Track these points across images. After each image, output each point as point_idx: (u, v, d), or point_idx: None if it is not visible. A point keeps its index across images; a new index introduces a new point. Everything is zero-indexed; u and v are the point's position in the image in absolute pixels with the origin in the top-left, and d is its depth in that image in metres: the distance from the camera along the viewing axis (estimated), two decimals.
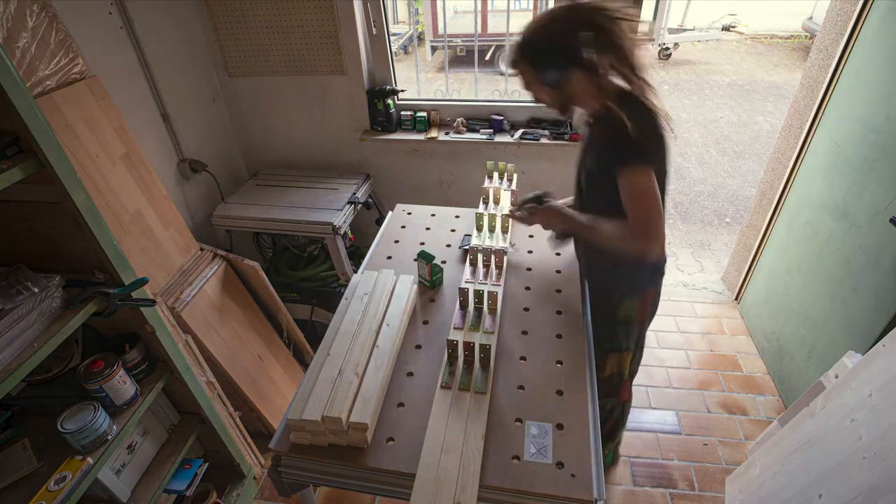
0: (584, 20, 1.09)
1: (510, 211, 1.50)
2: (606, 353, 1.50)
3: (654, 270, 1.40)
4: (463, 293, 1.32)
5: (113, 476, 1.35)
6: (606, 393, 1.58)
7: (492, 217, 1.61)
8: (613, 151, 1.15)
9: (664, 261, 1.40)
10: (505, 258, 1.48)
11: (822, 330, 1.93)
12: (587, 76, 1.14)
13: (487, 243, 1.55)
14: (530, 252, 1.61)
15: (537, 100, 1.25)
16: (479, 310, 1.32)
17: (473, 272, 1.48)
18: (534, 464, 1.00)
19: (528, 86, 1.23)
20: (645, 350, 2.42)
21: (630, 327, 1.45)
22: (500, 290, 1.39)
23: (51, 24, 1.39)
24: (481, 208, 1.70)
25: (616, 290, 1.41)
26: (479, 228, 1.62)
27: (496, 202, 1.72)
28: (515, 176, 1.81)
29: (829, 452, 1.31)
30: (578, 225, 1.31)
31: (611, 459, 1.90)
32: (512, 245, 1.62)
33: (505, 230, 1.61)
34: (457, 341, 1.18)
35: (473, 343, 1.18)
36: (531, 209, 1.42)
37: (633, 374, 1.58)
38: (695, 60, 7.37)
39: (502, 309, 1.37)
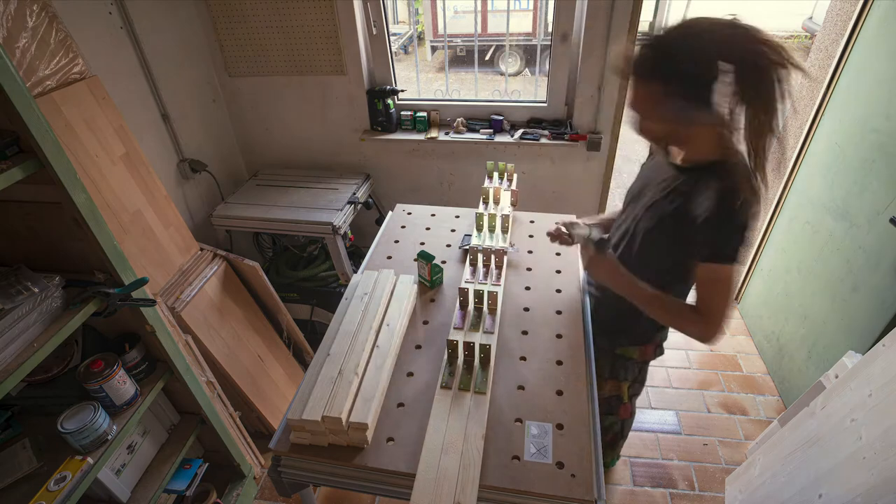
0: (753, 60, 0.86)
1: (550, 234, 1.39)
2: (605, 379, 1.46)
3: (653, 326, 1.35)
4: (463, 293, 1.32)
5: (113, 476, 1.36)
6: (606, 411, 1.54)
7: (492, 217, 1.61)
8: (719, 236, 0.99)
9: None
10: (505, 258, 1.48)
11: (822, 330, 1.93)
12: (717, 125, 0.94)
13: (488, 243, 1.55)
14: (530, 252, 1.61)
15: (641, 126, 1.02)
16: (479, 310, 1.32)
17: (473, 272, 1.48)
18: (534, 464, 1.00)
19: (640, 104, 0.99)
20: None
21: (629, 363, 1.43)
22: (499, 290, 1.39)
23: (51, 24, 1.39)
24: (481, 208, 1.70)
25: (620, 337, 1.38)
26: (479, 228, 1.62)
27: (496, 202, 1.72)
28: (515, 176, 1.81)
29: (829, 452, 1.31)
30: (632, 289, 1.15)
31: (612, 464, 1.90)
32: (512, 245, 1.61)
33: (505, 230, 1.61)
34: (457, 341, 1.18)
35: (473, 343, 1.18)
36: (584, 246, 1.26)
37: (632, 396, 1.52)
38: None
39: (502, 309, 1.37)
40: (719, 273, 1.02)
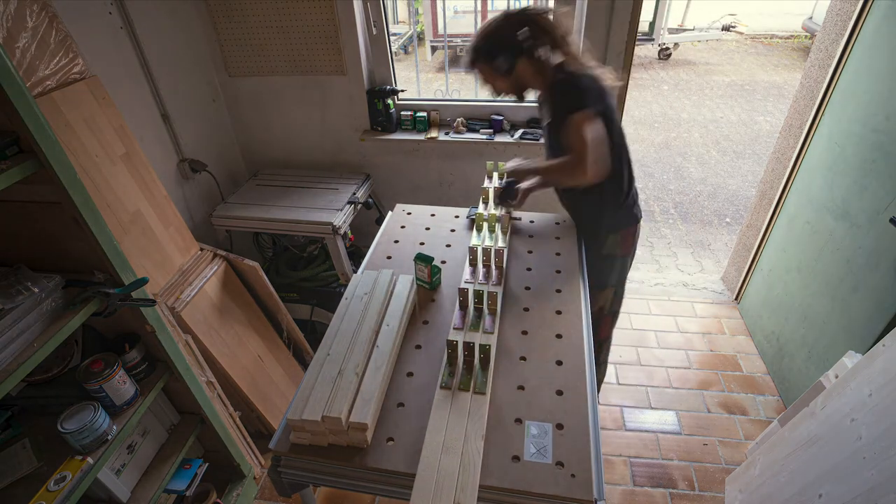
0: (517, 20, 1.40)
1: (498, 200, 1.68)
2: (591, 289, 1.63)
3: (629, 212, 1.62)
4: (463, 293, 1.32)
5: (113, 476, 1.36)
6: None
7: (492, 217, 1.61)
8: (561, 107, 1.41)
9: (639, 208, 1.64)
10: (505, 257, 1.48)
11: (822, 330, 1.93)
12: (530, 61, 1.43)
13: (487, 243, 1.54)
14: (530, 252, 1.61)
15: (496, 91, 1.52)
16: (478, 310, 1.32)
17: (473, 272, 1.48)
18: (534, 464, 1.00)
19: (486, 80, 1.50)
20: (645, 349, 2.44)
21: (614, 262, 1.67)
22: (499, 291, 1.39)
23: (51, 24, 1.39)
24: (481, 208, 1.70)
25: (601, 228, 1.63)
26: (479, 229, 1.62)
27: (491, 231, 1.68)
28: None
29: (829, 452, 1.31)
30: (538, 169, 1.58)
31: None
32: (518, 218, 1.77)
33: (505, 231, 1.61)
34: (457, 341, 1.18)
35: (473, 343, 1.18)
36: (509, 183, 1.63)
37: (613, 313, 1.80)
38: (695, 60, 7.37)
39: (502, 309, 1.37)
40: (573, 121, 1.36)
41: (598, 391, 2.08)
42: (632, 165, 1.56)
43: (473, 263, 1.50)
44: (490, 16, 1.47)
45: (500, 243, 1.56)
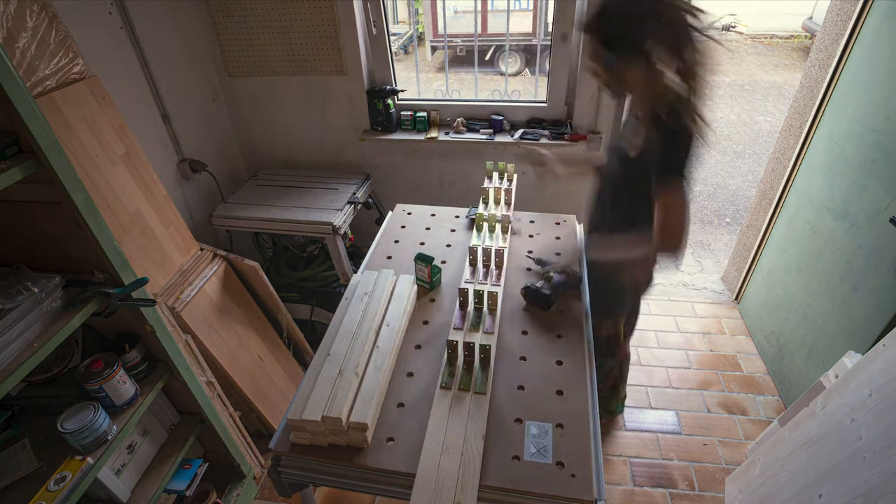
0: (658, 10, 1.08)
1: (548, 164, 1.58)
2: (602, 316, 1.60)
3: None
4: (463, 293, 1.32)
5: (113, 476, 1.35)
6: (605, 353, 1.74)
7: (492, 217, 1.61)
8: (664, 160, 1.17)
9: None
10: (505, 257, 1.48)
11: (822, 330, 1.93)
12: (647, 71, 1.15)
13: (488, 243, 1.54)
14: (530, 252, 1.61)
15: (594, 73, 1.25)
16: (478, 310, 1.32)
17: (473, 272, 1.48)
18: (534, 464, 1.00)
19: (590, 56, 1.23)
20: (645, 349, 2.43)
21: (625, 295, 1.60)
22: (499, 290, 1.39)
23: (51, 24, 1.39)
24: (481, 208, 1.69)
25: (612, 269, 1.50)
26: (479, 229, 1.62)
27: (496, 202, 1.72)
28: (515, 176, 1.81)
29: (829, 452, 1.31)
30: (601, 251, 1.45)
31: (620, 410, 2.06)
32: (518, 219, 1.74)
33: (505, 230, 1.62)
34: (457, 341, 1.18)
35: (473, 343, 1.18)
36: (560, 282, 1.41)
37: (627, 334, 1.75)
38: None
39: (502, 309, 1.37)
40: (673, 193, 1.16)
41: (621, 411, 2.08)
42: None
43: (473, 263, 1.50)
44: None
45: (500, 243, 1.56)
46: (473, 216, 1.73)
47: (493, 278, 1.45)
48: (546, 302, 1.36)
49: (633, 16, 1.11)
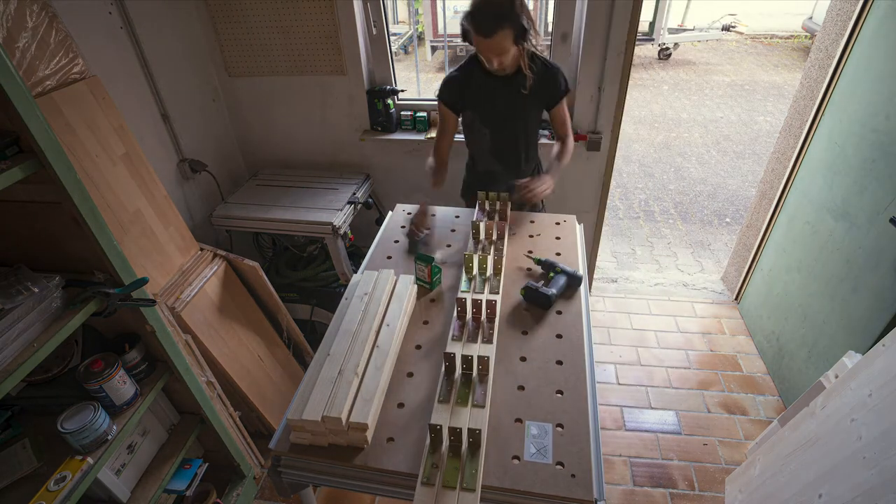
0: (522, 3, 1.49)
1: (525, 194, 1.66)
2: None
3: None
4: (460, 303, 1.31)
5: (113, 476, 1.36)
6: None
7: (482, 259, 1.45)
8: (557, 87, 1.67)
9: None
10: (498, 308, 1.35)
11: (822, 330, 1.93)
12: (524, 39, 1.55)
13: (478, 290, 1.40)
14: (530, 252, 1.61)
15: (501, 64, 1.54)
16: (476, 319, 1.30)
17: (461, 327, 1.30)
18: (534, 464, 1.00)
19: (503, 47, 1.49)
20: (645, 349, 2.43)
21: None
22: (498, 299, 1.37)
23: (51, 24, 1.39)
24: (470, 248, 1.56)
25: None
26: (469, 271, 1.45)
27: (488, 238, 1.58)
28: (510, 204, 1.74)
29: (829, 452, 1.31)
30: (558, 168, 1.73)
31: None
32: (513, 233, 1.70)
33: (497, 272, 1.45)
34: (454, 354, 1.15)
35: (471, 357, 1.15)
36: (529, 191, 1.63)
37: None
38: (695, 60, 7.37)
39: (502, 309, 1.37)
40: (564, 103, 1.73)
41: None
42: None
43: (462, 317, 1.31)
44: None
45: (492, 292, 1.40)
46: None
47: (492, 287, 1.42)
48: (546, 302, 1.37)
49: (520, 5, 1.48)
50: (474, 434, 1.00)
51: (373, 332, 1.25)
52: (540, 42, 1.64)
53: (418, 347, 1.28)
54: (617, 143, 2.24)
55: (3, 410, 1.25)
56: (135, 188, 1.63)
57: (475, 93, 1.70)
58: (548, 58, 1.69)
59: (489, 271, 1.46)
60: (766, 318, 2.37)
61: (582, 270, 1.53)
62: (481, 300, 1.28)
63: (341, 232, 2.09)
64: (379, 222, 2.41)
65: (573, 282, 1.44)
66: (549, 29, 2.18)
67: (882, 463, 1.11)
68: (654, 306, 2.68)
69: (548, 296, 1.36)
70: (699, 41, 7.83)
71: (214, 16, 2.19)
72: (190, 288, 1.73)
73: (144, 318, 1.29)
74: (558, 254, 1.60)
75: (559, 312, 1.38)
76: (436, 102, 2.45)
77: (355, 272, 1.53)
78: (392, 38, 2.33)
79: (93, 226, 1.10)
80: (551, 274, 1.45)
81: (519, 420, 1.09)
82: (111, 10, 1.72)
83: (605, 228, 2.58)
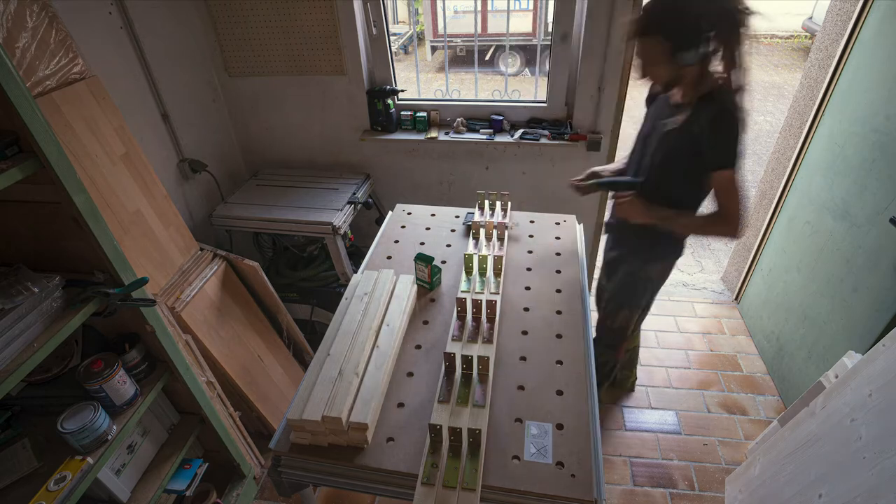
0: (724, 8, 1.14)
1: (575, 181, 1.57)
2: (621, 306, 1.67)
3: (678, 243, 1.54)
4: (461, 303, 1.31)
5: (113, 476, 1.35)
6: (609, 345, 1.79)
7: (482, 259, 1.47)
8: (721, 147, 1.24)
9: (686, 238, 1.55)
10: (498, 307, 1.36)
11: (822, 330, 1.93)
12: (703, 63, 1.20)
13: (478, 290, 1.41)
14: (530, 252, 1.61)
15: (644, 73, 1.28)
16: (476, 319, 1.30)
17: (461, 327, 1.31)
18: (534, 464, 1.00)
19: (646, 57, 1.25)
20: (645, 350, 2.43)
21: (648, 284, 1.61)
22: (498, 299, 1.37)
23: (51, 24, 1.39)
24: (471, 248, 1.56)
25: (652, 252, 1.55)
26: (469, 272, 1.47)
27: (488, 239, 1.59)
28: (510, 204, 1.75)
29: (829, 452, 1.31)
30: (662, 217, 1.38)
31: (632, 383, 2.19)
32: (514, 226, 1.69)
33: (497, 273, 1.46)
34: (454, 354, 1.16)
35: (471, 357, 1.16)
36: (616, 193, 1.47)
37: (633, 331, 1.77)
38: None
39: (502, 309, 1.37)
40: (727, 176, 1.26)
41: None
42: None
43: (462, 317, 1.33)
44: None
45: (493, 290, 1.41)
46: (470, 222, 1.69)
47: (492, 287, 1.42)
48: (629, 185, 1.42)
49: (698, 12, 1.14)
50: (474, 434, 1.00)
51: (373, 332, 1.25)
52: (738, 80, 1.20)
53: (418, 347, 1.28)
54: (617, 143, 2.24)
55: (3, 410, 1.25)
56: (135, 188, 1.63)
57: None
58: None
59: (489, 271, 1.46)
60: (766, 318, 2.37)
61: (582, 270, 1.53)
62: (481, 300, 1.29)
63: (341, 232, 2.09)
64: (379, 222, 2.41)
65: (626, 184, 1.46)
66: (550, 29, 2.18)
67: (882, 463, 1.11)
68: (654, 306, 2.68)
69: (629, 181, 1.42)
70: None
71: (214, 16, 2.19)
72: (190, 288, 1.73)
73: (144, 318, 1.29)
74: (558, 254, 1.61)
75: (559, 312, 1.38)
76: (435, 103, 2.47)
77: (355, 272, 1.53)
78: (392, 38, 2.33)
79: (93, 226, 1.10)
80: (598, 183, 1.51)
81: (519, 420, 1.09)
82: (111, 10, 1.72)
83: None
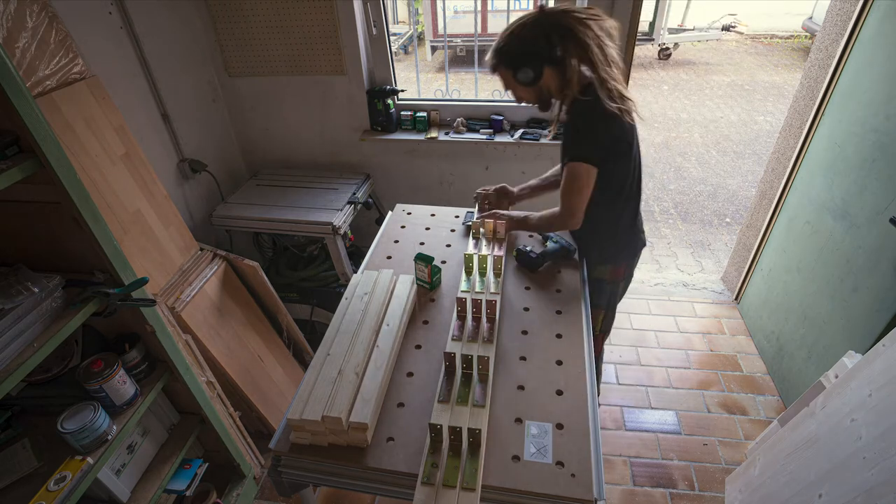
0: (552, 23, 1.24)
1: (478, 218, 1.65)
2: None
3: (627, 248, 1.57)
4: (461, 303, 1.31)
5: (113, 476, 1.35)
6: None
7: (482, 259, 1.47)
8: (575, 139, 1.34)
9: (641, 244, 1.58)
10: (498, 307, 1.35)
11: (822, 330, 1.93)
12: (558, 73, 1.29)
13: (478, 290, 1.40)
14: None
15: (518, 99, 1.40)
16: (476, 319, 1.30)
17: (461, 326, 1.31)
18: (534, 464, 1.00)
19: (507, 86, 1.37)
20: (645, 349, 2.43)
21: (602, 285, 1.60)
22: (498, 299, 1.37)
23: (51, 24, 1.39)
24: (471, 248, 1.57)
25: (591, 255, 1.58)
26: (469, 272, 1.47)
27: (488, 239, 1.59)
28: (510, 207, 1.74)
29: (829, 452, 1.31)
30: (520, 221, 1.55)
31: None
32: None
33: (497, 273, 1.46)
34: (454, 353, 1.15)
35: (471, 357, 1.16)
36: (489, 213, 1.61)
37: (604, 331, 1.74)
38: (695, 60, 7.37)
39: (502, 309, 1.37)
40: (570, 169, 1.33)
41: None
42: (640, 201, 1.50)
43: (462, 316, 1.32)
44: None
45: (493, 290, 1.41)
46: (470, 222, 1.69)
47: (492, 287, 1.42)
48: (533, 264, 1.50)
49: (532, 33, 1.25)
50: (474, 434, 1.00)
51: (373, 332, 1.25)
52: (607, 75, 1.26)
53: (418, 347, 1.28)
54: None
55: (3, 410, 1.25)
56: (135, 188, 1.63)
57: None
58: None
59: (489, 271, 1.46)
60: (766, 318, 2.37)
61: (581, 271, 1.53)
62: (481, 300, 1.29)
63: (341, 232, 2.09)
64: (379, 222, 2.41)
65: (564, 252, 1.55)
66: None
67: (882, 463, 1.11)
68: (654, 306, 2.68)
69: (534, 258, 1.49)
70: (699, 41, 7.82)
71: (214, 16, 2.19)
72: (190, 288, 1.73)
73: (144, 318, 1.29)
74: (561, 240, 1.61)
75: (559, 312, 1.38)
76: (435, 103, 2.47)
77: (355, 272, 1.53)
78: (392, 38, 2.33)
79: (93, 226, 1.10)
80: (547, 243, 1.58)
81: (519, 420, 1.09)
82: (111, 10, 1.72)
83: None
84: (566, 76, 1.28)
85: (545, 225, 1.49)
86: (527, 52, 1.27)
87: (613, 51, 1.27)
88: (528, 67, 1.28)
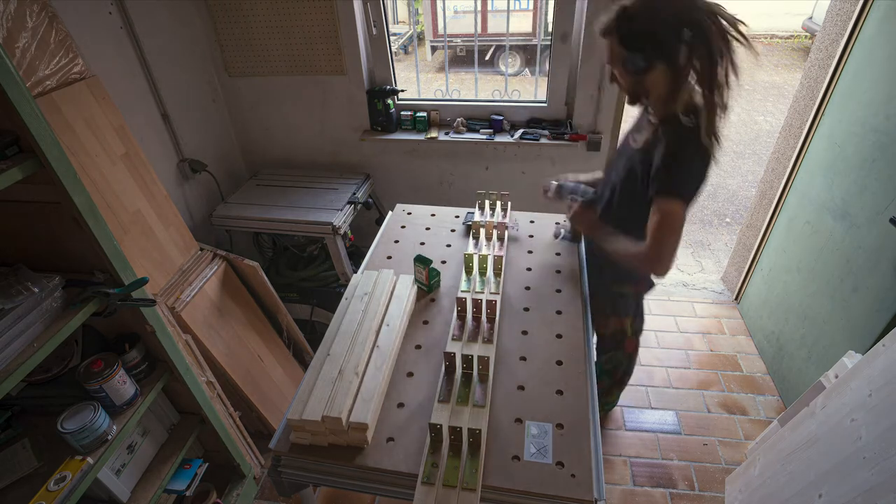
0: (694, 18, 1.02)
1: (544, 189, 1.58)
2: (608, 316, 1.61)
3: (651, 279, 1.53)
4: (461, 303, 1.31)
5: (113, 476, 1.35)
6: (613, 347, 1.72)
7: (482, 259, 1.48)
8: (670, 172, 1.13)
9: None
10: (498, 307, 1.36)
11: (822, 330, 1.93)
12: (670, 77, 1.10)
13: (478, 290, 1.41)
14: (530, 252, 1.61)
15: (611, 77, 1.21)
16: (476, 319, 1.30)
17: (461, 326, 1.31)
18: (534, 464, 1.00)
19: (610, 60, 1.17)
20: (645, 349, 2.43)
21: (626, 299, 1.57)
22: (498, 299, 1.37)
23: (51, 24, 1.39)
24: (471, 248, 1.56)
25: (618, 271, 1.43)
26: (469, 272, 1.48)
27: (488, 239, 1.59)
28: (510, 204, 1.76)
29: (829, 452, 1.31)
30: (602, 233, 1.35)
31: (609, 407, 2.07)
32: (513, 226, 1.68)
33: (497, 273, 1.46)
34: (454, 353, 1.15)
35: (472, 356, 1.16)
36: (570, 201, 1.48)
37: (636, 332, 1.68)
38: None
39: (502, 309, 1.37)
40: (665, 206, 1.14)
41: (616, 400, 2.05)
42: None
43: (462, 316, 1.32)
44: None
45: (493, 289, 1.41)
46: (470, 223, 1.69)
47: (492, 287, 1.42)
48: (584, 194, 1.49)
49: (667, 18, 1.04)
50: (474, 434, 1.00)
51: (373, 332, 1.25)
52: (716, 101, 1.08)
53: (418, 347, 1.28)
54: (617, 143, 2.24)
55: (3, 410, 1.25)
56: (135, 188, 1.63)
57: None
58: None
59: (489, 271, 1.46)
60: (766, 318, 2.37)
61: (581, 271, 1.53)
62: (481, 300, 1.29)
63: (341, 232, 2.09)
64: (379, 222, 2.41)
65: (581, 195, 1.52)
66: (550, 29, 2.18)
67: (882, 463, 1.11)
68: (654, 306, 2.68)
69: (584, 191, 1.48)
70: None
71: (214, 15, 2.19)
72: (190, 288, 1.73)
73: (144, 318, 1.29)
74: (558, 254, 1.61)
75: (559, 312, 1.38)
76: (435, 103, 2.47)
77: (355, 272, 1.53)
78: (392, 38, 2.33)
79: (93, 226, 1.10)
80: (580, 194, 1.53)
81: (519, 420, 1.09)
82: (111, 10, 1.72)
83: None
84: (676, 84, 1.09)
85: (622, 256, 1.28)
86: (647, 35, 1.06)
87: (732, 87, 1.07)
88: (642, 53, 1.08)
